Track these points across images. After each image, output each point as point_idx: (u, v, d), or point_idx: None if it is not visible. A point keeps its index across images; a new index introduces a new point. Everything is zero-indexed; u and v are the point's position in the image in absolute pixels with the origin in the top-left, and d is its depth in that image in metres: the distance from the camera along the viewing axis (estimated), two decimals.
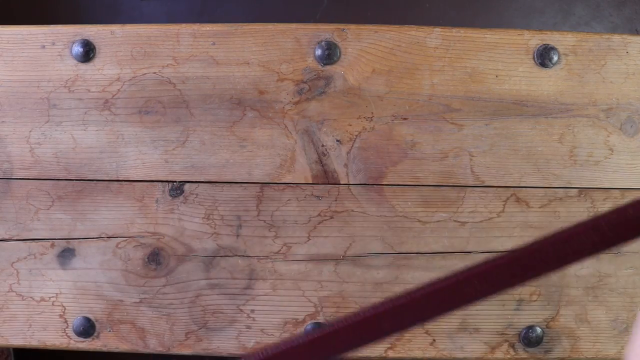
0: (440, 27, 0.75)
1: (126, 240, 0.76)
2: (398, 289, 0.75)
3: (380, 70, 0.74)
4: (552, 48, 0.74)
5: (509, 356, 0.76)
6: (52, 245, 0.76)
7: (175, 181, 0.76)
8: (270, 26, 0.75)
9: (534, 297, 0.76)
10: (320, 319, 0.76)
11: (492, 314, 0.76)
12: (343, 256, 0.75)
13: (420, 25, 0.75)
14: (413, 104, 0.75)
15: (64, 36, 0.75)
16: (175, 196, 0.76)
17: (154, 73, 0.75)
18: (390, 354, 0.76)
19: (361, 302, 0.76)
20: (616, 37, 0.75)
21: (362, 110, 0.75)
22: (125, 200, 0.76)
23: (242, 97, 0.75)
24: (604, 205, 0.75)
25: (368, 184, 0.75)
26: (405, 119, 0.75)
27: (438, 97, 0.75)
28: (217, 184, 0.76)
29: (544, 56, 0.74)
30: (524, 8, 1.36)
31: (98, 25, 0.75)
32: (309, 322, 0.76)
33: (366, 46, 0.74)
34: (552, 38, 0.75)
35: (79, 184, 0.76)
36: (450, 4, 1.36)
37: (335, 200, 0.75)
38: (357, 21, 0.75)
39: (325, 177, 0.75)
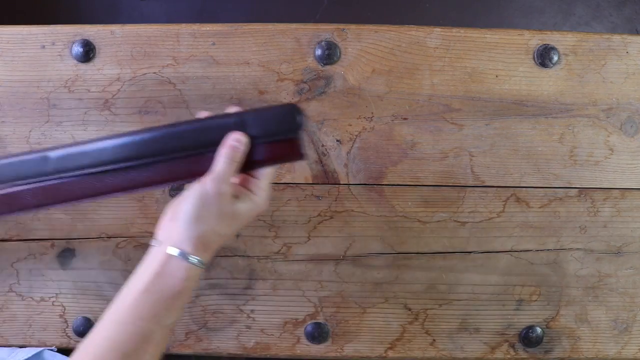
0: (440, 27, 0.75)
1: (126, 240, 0.76)
2: (398, 289, 0.75)
3: (380, 70, 0.74)
4: (552, 48, 0.74)
5: (509, 356, 0.76)
6: (52, 245, 0.76)
7: None
8: (270, 26, 0.75)
9: (534, 297, 0.76)
10: (320, 319, 0.76)
11: (492, 314, 0.76)
12: (343, 256, 0.75)
13: (420, 25, 0.75)
14: (413, 104, 0.75)
15: (64, 36, 0.75)
16: (176, 196, 0.76)
17: (154, 73, 0.75)
18: (390, 354, 0.76)
19: (361, 302, 0.76)
20: (616, 37, 0.75)
21: (362, 110, 0.75)
22: (125, 200, 0.76)
23: (242, 97, 0.75)
24: (604, 205, 0.75)
25: (368, 184, 0.75)
26: (405, 119, 0.75)
27: (438, 97, 0.75)
28: None
29: (544, 56, 0.74)
30: (524, 8, 1.36)
31: (98, 25, 0.75)
32: (309, 322, 0.76)
33: (366, 46, 0.74)
34: (552, 38, 0.75)
35: None
36: (450, 4, 1.36)
37: (335, 200, 0.75)
38: (357, 21, 0.75)
39: (325, 177, 0.75)
